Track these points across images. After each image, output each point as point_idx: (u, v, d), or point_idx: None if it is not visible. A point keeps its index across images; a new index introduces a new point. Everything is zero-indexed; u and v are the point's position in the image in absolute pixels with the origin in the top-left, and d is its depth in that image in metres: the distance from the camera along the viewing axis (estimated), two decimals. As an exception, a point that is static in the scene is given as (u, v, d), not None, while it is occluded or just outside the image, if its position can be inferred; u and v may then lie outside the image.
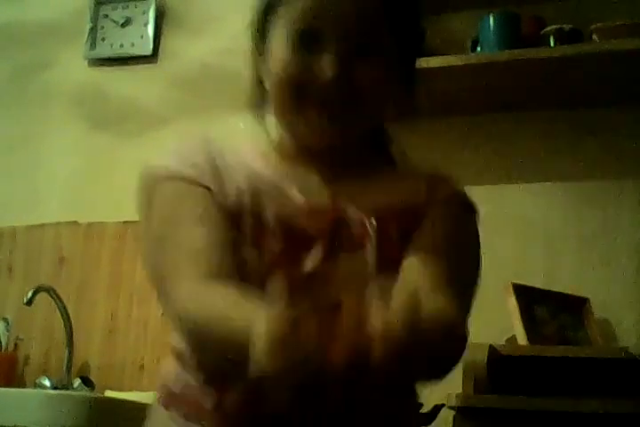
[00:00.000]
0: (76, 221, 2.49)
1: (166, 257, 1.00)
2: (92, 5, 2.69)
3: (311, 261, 1.02)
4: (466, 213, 1.24)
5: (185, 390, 1.02)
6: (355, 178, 1.11)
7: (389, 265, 1.06)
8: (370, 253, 1.06)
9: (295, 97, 1.04)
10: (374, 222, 1.07)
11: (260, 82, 1.11)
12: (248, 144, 1.16)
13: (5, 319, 2.43)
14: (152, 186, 1.06)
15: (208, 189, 1.04)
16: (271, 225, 1.02)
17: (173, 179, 1.05)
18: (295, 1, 1.05)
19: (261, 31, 1.10)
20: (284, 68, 1.04)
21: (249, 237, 1.02)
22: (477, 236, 1.24)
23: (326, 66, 1.02)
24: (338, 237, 1.05)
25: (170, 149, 1.10)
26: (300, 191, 1.06)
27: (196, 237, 1.00)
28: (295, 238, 1.03)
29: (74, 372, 2.32)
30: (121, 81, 2.62)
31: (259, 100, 1.13)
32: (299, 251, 1.02)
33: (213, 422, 0.99)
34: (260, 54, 1.10)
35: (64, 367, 2.31)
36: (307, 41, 1.03)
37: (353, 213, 1.07)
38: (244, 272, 0.99)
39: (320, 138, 1.07)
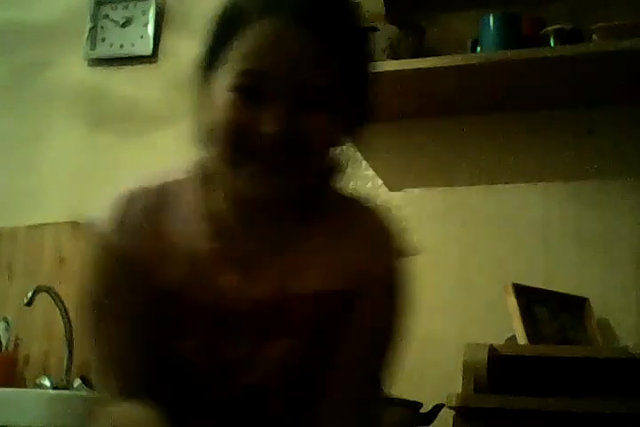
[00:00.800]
0: (76, 221, 2.49)
1: (95, 351, 1.07)
2: (92, 5, 2.69)
3: (242, 349, 1.04)
4: (397, 292, 1.22)
5: None
6: (294, 240, 1.09)
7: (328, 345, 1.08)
8: (306, 339, 1.07)
9: (237, 149, 1.01)
10: (312, 307, 1.07)
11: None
12: (190, 191, 1.11)
13: (5, 319, 2.43)
14: (93, 253, 1.08)
15: (140, 265, 1.04)
16: (203, 309, 1.03)
17: (108, 254, 1.06)
18: (242, 47, 1.02)
19: (208, 66, 1.09)
20: (227, 118, 1.00)
21: (178, 320, 1.04)
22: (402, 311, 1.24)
23: (271, 120, 0.98)
24: (274, 323, 1.05)
25: (114, 204, 1.08)
26: (239, 265, 1.05)
27: (120, 338, 1.03)
28: (228, 325, 1.04)
29: (74, 372, 2.32)
30: (121, 81, 2.62)
31: (202, 141, 1.09)
32: (229, 337, 1.03)
33: None
34: (204, 88, 1.07)
35: (64, 367, 2.31)
36: (251, 92, 1.00)
37: (292, 295, 1.06)
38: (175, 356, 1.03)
39: (262, 192, 1.03)
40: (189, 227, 1.06)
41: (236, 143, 1.00)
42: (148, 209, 1.06)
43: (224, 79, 1.02)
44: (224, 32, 1.07)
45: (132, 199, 1.06)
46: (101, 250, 1.07)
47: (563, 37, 2.04)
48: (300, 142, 1.01)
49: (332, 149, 1.15)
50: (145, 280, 1.04)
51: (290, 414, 1.08)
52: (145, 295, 1.04)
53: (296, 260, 1.08)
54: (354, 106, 1.14)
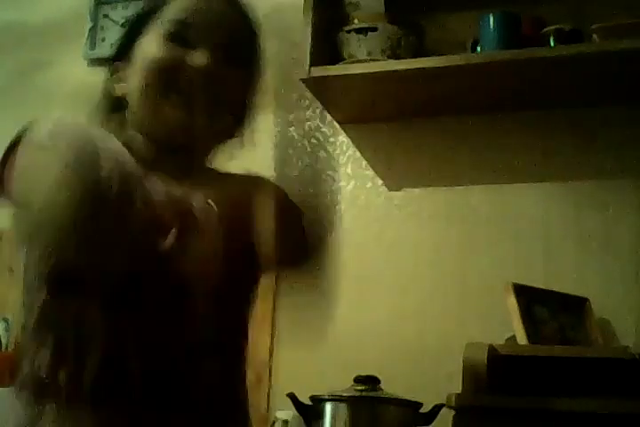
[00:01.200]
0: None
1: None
2: (92, 5, 2.69)
3: (166, 243, 1.11)
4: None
5: (36, 369, 1.08)
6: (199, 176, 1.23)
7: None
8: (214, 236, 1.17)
9: (165, 85, 1.17)
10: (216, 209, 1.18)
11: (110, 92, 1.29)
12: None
13: (5, 319, 2.43)
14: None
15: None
16: (138, 206, 1.09)
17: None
18: (176, 5, 1.22)
19: (130, 37, 1.24)
20: (156, 58, 1.18)
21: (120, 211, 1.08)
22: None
23: (200, 55, 1.17)
24: (188, 223, 1.15)
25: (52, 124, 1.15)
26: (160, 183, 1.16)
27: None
28: (155, 223, 1.12)
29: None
30: (121, 81, 2.62)
31: (106, 109, 1.30)
32: (157, 233, 1.12)
33: (66, 397, 1.05)
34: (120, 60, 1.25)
35: (64, 367, 2.31)
36: (182, 38, 1.19)
37: (200, 204, 1.17)
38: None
39: (183, 131, 1.17)
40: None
41: (167, 76, 1.16)
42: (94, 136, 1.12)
43: (157, 29, 1.20)
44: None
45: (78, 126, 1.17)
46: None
47: (562, 37, 2.04)
48: (219, 87, 1.19)
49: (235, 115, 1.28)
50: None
51: (218, 314, 1.17)
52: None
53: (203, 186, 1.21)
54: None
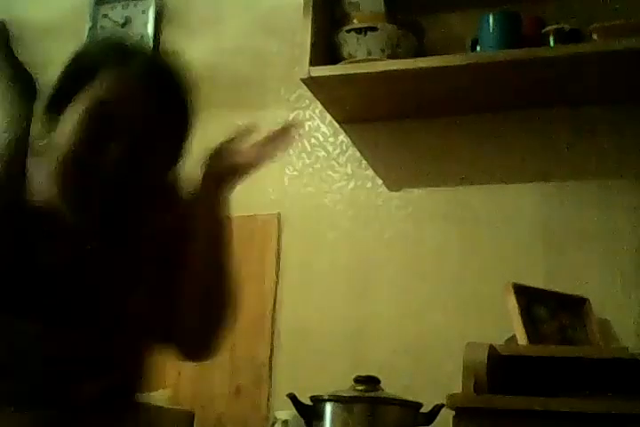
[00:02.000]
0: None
1: None
2: (92, 5, 2.69)
3: None
4: None
5: None
6: None
7: None
8: None
9: (79, 177, 1.16)
10: None
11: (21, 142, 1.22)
12: None
13: None
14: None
15: None
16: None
17: None
18: (103, 84, 1.20)
19: (58, 103, 1.24)
20: (73, 146, 1.15)
21: None
22: None
23: (116, 151, 1.15)
24: None
25: None
26: None
27: None
28: None
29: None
30: (121, 81, 2.62)
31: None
32: None
33: None
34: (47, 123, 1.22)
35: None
36: (102, 119, 1.17)
37: None
38: None
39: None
40: None
41: (81, 171, 1.15)
42: None
43: (78, 109, 1.19)
44: (81, 73, 1.26)
45: None
46: None
47: (562, 37, 2.04)
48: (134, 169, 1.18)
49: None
50: None
51: None
52: None
53: None
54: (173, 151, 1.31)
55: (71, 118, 1.18)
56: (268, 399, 2.20)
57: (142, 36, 2.61)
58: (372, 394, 1.83)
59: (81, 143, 1.15)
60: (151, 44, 2.59)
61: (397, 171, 2.28)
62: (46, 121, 1.22)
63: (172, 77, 1.29)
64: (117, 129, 1.16)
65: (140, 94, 1.21)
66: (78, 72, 1.26)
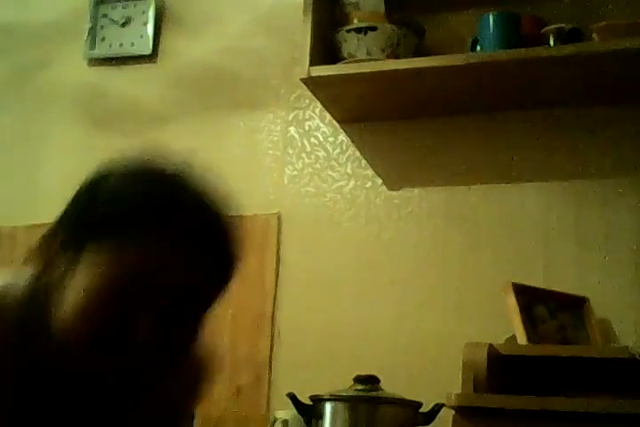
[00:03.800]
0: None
1: None
2: (92, 5, 2.68)
3: None
4: None
5: None
6: None
7: None
8: None
9: (99, 346, 0.97)
10: None
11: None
12: None
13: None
14: None
15: None
16: None
17: None
18: (141, 247, 0.97)
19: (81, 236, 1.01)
20: (103, 316, 0.97)
21: None
22: None
23: (147, 324, 0.97)
24: None
25: None
26: None
27: None
28: None
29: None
30: (121, 81, 2.62)
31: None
32: None
33: None
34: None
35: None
36: (127, 297, 0.97)
37: None
38: None
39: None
40: None
41: (101, 338, 0.97)
42: None
43: (101, 267, 0.97)
44: (107, 218, 1.01)
45: None
46: None
47: (562, 37, 2.04)
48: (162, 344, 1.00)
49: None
50: None
51: None
52: None
53: None
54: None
55: (88, 267, 0.98)
56: (268, 399, 2.20)
57: (142, 36, 2.61)
58: (372, 394, 1.83)
59: (104, 314, 0.96)
60: (151, 43, 2.60)
61: (397, 171, 2.28)
62: (61, 255, 1.03)
63: (224, 244, 1.04)
64: (148, 301, 0.97)
65: (182, 264, 0.99)
66: (96, 212, 1.03)
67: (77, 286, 0.98)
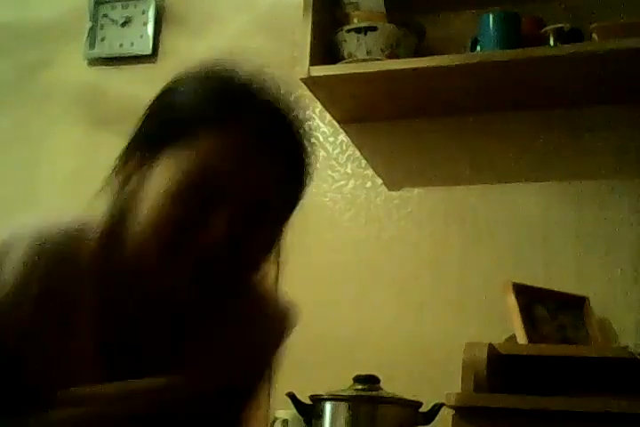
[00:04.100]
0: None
1: None
2: (92, 5, 2.69)
3: None
4: None
5: None
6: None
7: None
8: None
9: (171, 246, 0.97)
10: None
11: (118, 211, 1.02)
12: None
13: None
14: None
15: None
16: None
17: None
18: (210, 143, 0.98)
19: (149, 146, 1.03)
20: (167, 211, 0.97)
21: None
22: None
23: (218, 230, 0.96)
24: None
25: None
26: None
27: None
28: None
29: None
30: (121, 80, 2.62)
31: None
32: None
33: None
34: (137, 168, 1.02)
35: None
36: (200, 194, 0.97)
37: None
38: None
39: (179, 294, 0.99)
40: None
41: (173, 242, 0.96)
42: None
43: (174, 169, 0.98)
44: (174, 118, 1.02)
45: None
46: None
47: (562, 37, 2.04)
48: (239, 257, 1.00)
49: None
50: None
51: None
52: None
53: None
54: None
55: (161, 173, 0.99)
56: (268, 399, 2.20)
57: (142, 36, 2.61)
58: (372, 393, 1.83)
59: (176, 213, 0.96)
60: (151, 43, 2.60)
61: (397, 171, 2.28)
62: (127, 164, 1.05)
63: (296, 146, 1.07)
64: (220, 201, 0.97)
65: (253, 161, 0.99)
66: (171, 116, 1.03)
67: (151, 192, 0.98)
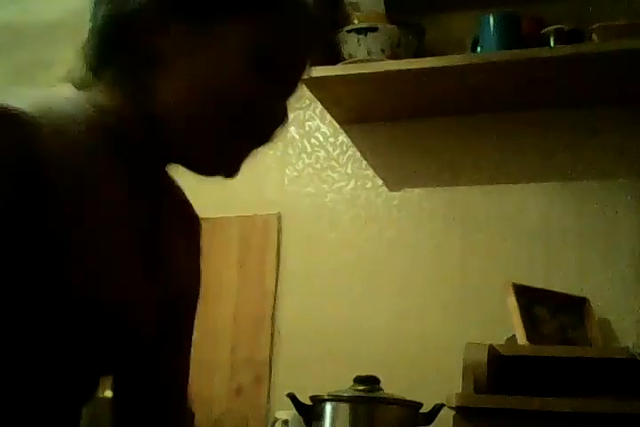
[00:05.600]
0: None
1: None
2: (92, 5, 2.68)
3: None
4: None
5: None
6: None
7: None
8: None
9: (233, 125, 0.94)
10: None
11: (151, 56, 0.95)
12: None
13: None
14: None
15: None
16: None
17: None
18: (280, 18, 0.95)
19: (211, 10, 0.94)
20: (233, 87, 0.93)
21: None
22: None
23: (280, 111, 0.98)
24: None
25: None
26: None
27: None
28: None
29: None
30: (121, 81, 2.62)
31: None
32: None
33: None
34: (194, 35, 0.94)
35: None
36: (264, 68, 0.94)
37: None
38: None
39: (226, 169, 0.97)
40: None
41: (236, 119, 0.93)
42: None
43: (236, 39, 0.93)
44: None
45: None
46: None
47: (562, 37, 2.04)
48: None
49: None
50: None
51: None
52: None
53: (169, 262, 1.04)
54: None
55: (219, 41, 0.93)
56: (268, 399, 2.20)
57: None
58: (372, 394, 1.83)
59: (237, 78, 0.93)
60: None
61: (397, 171, 2.28)
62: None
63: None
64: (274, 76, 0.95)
65: (299, 43, 0.98)
66: None
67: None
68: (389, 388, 1.86)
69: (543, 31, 2.07)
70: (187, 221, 1.12)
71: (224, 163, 0.97)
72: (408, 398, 1.84)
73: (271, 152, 2.39)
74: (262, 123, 0.97)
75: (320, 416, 1.84)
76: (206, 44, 0.93)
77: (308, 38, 0.99)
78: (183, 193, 1.12)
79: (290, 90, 1.00)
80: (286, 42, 0.96)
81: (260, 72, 0.94)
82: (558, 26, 2.06)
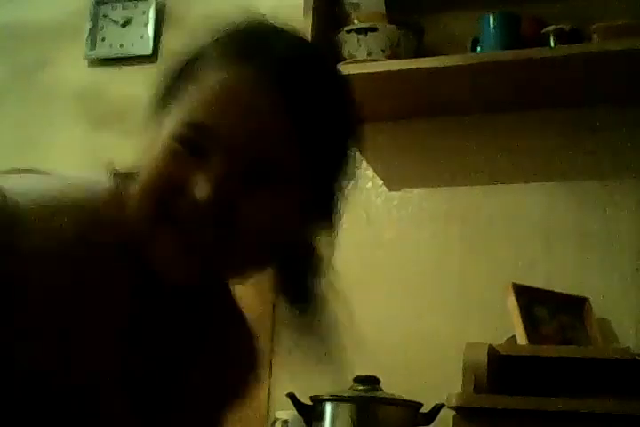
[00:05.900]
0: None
1: None
2: (92, 5, 2.69)
3: None
4: None
5: None
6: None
7: None
8: None
9: (160, 208, 0.85)
10: None
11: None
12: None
13: None
14: None
15: None
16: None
17: None
18: (198, 93, 0.86)
19: (161, 104, 0.91)
20: (158, 168, 0.86)
21: None
22: None
23: (205, 182, 0.81)
24: None
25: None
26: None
27: None
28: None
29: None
30: (121, 81, 2.62)
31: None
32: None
33: None
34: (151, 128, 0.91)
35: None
36: (195, 146, 0.84)
37: None
38: None
39: (176, 272, 0.87)
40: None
41: (161, 201, 0.84)
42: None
43: (170, 123, 0.87)
44: (186, 72, 0.92)
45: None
46: None
47: (562, 37, 2.04)
48: (232, 220, 0.84)
49: (275, 241, 0.94)
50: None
51: None
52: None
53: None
54: (317, 197, 0.95)
55: (170, 118, 0.88)
56: (268, 399, 2.20)
57: (142, 37, 2.61)
58: (372, 394, 1.83)
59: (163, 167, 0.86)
60: (151, 44, 2.60)
61: (397, 171, 2.28)
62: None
63: (323, 82, 0.88)
64: (213, 152, 0.83)
65: (263, 102, 0.83)
66: (189, 65, 0.93)
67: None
68: (389, 388, 1.86)
69: (543, 31, 2.07)
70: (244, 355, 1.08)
71: (167, 257, 0.86)
72: (408, 398, 1.84)
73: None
74: (182, 198, 0.84)
75: (320, 416, 1.84)
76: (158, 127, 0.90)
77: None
78: (242, 319, 1.07)
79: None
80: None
81: (184, 147, 0.85)
82: (558, 26, 2.06)
